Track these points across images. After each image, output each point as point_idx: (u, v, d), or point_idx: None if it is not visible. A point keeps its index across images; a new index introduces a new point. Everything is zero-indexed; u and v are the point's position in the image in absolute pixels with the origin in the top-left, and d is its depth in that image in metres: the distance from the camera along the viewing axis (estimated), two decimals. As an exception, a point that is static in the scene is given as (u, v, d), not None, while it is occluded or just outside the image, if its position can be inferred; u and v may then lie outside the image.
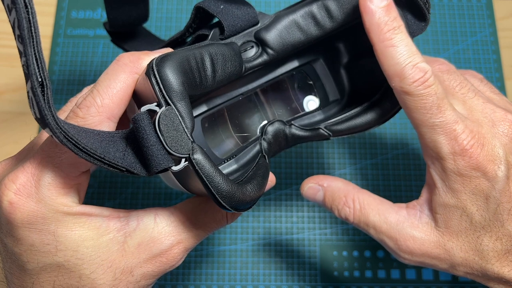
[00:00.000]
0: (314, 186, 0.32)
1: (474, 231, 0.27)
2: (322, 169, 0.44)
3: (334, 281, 0.41)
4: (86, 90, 0.29)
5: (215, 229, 0.28)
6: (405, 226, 0.29)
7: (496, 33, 0.48)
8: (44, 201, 0.23)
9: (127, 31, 0.36)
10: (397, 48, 0.25)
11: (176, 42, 0.30)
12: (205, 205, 0.27)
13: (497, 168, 0.26)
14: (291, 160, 0.44)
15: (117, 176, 0.43)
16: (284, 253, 0.41)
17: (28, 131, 0.45)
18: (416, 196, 0.44)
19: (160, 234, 0.25)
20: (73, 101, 0.28)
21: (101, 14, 0.49)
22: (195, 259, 0.41)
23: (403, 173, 0.44)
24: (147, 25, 0.47)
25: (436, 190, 0.28)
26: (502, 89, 0.46)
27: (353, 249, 0.42)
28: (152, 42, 0.36)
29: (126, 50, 0.36)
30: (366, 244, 0.42)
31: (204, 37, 0.28)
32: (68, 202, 0.24)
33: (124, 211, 0.26)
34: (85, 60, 0.47)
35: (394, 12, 0.26)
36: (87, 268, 0.24)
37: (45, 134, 0.26)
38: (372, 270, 0.41)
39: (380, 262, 0.41)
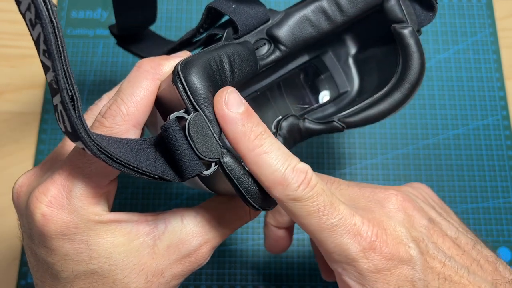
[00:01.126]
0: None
1: None
2: (322, 169, 0.44)
3: (334, 281, 0.41)
4: (105, 97, 0.29)
5: (239, 226, 0.28)
6: None
7: (496, 33, 0.48)
8: (76, 211, 0.23)
9: (135, 34, 0.36)
10: (271, 154, 0.23)
11: (187, 43, 0.31)
12: (228, 204, 0.27)
13: (408, 248, 0.24)
14: (291, 160, 0.44)
15: (118, 176, 0.43)
16: (284, 253, 0.41)
17: (28, 131, 0.45)
18: (416, 196, 0.44)
19: (188, 235, 0.26)
20: (93, 110, 0.28)
21: (101, 14, 0.49)
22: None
23: (403, 173, 0.44)
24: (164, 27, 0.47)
25: None
26: (502, 89, 0.46)
27: (353, 249, 0.42)
28: (158, 43, 0.36)
29: (132, 53, 0.35)
30: (366, 244, 0.42)
31: (214, 36, 0.28)
32: (99, 211, 0.24)
33: (151, 214, 0.26)
34: (85, 60, 0.47)
35: (255, 116, 0.23)
36: (120, 273, 0.24)
37: (69, 143, 0.26)
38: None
39: (380, 262, 0.41)
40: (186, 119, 0.22)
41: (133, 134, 0.24)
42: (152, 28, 0.37)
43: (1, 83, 0.47)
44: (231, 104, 0.23)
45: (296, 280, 0.41)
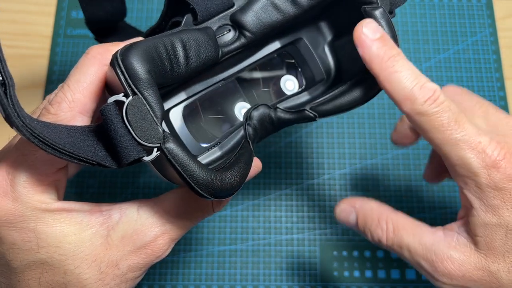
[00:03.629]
0: (347, 208, 0.30)
1: None
2: (323, 169, 0.44)
3: (334, 281, 0.41)
4: (60, 86, 0.29)
5: (201, 218, 0.27)
6: (441, 247, 0.27)
7: (496, 33, 0.48)
8: (20, 199, 0.23)
9: (107, 27, 0.35)
10: (401, 73, 0.25)
11: (154, 33, 0.30)
12: (188, 195, 0.26)
13: None
14: (291, 160, 0.44)
15: (117, 177, 0.43)
16: (284, 253, 0.41)
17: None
18: (416, 197, 0.44)
19: (144, 225, 0.25)
20: (48, 98, 0.28)
21: (101, 14, 0.49)
22: (195, 259, 0.41)
23: (403, 173, 0.44)
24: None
25: (474, 211, 0.26)
26: (502, 89, 0.46)
27: (353, 249, 0.42)
28: (130, 35, 0.35)
29: None
30: (366, 244, 0.42)
31: (179, 24, 0.27)
32: (46, 199, 0.24)
33: (106, 204, 0.26)
34: (85, 60, 0.47)
35: (390, 41, 0.26)
36: (71, 264, 0.24)
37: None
38: (372, 270, 0.41)
39: (380, 262, 0.41)
40: (125, 102, 0.21)
41: (80, 121, 0.24)
42: (134, 18, 0.36)
43: (1, 83, 0.46)
44: (368, 31, 0.25)
45: (296, 280, 0.41)
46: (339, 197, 0.43)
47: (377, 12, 0.27)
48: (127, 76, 0.22)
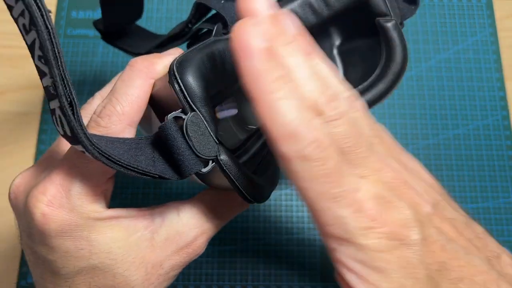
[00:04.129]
0: None
1: None
2: (322, 169, 0.44)
3: (334, 281, 0.41)
4: (98, 96, 0.29)
5: (232, 217, 0.29)
6: None
7: (496, 33, 0.48)
8: (75, 210, 0.24)
9: (121, 29, 0.36)
10: (289, 102, 0.20)
11: (175, 38, 0.31)
12: (222, 196, 0.28)
13: (411, 232, 0.22)
14: (291, 160, 0.44)
15: (117, 176, 0.43)
16: (284, 253, 0.41)
17: (29, 131, 0.45)
18: (416, 196, 0.43)
19: (185, 227, 0.27)
20: (87, 109, 0.28)
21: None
22: (195, 259, 0.41)
23: (403, 173, 0.44)
24: (147, 26, 0.47)
25: (357, 279, 0.22)
26: (502, 89, 0.46)
27: (353, 249, 0.42)
28: (144, 38, 0.36)
29: (119, 48, 0.35)
30: (366, 244, 0.42)
31: (201, 31, 0.28)
32: (98, 208, 0.25)
33: (147, 209, 0.27)
34: (85, 60, 0.47)
35: (279, 55, 0.20)
36: (121, 267, 0.25)
37: (64, 142, 0.27)
38: (372, 270, 0.41)
39: (380, 262, 0.41)
40: (184, 119, 0.23)
41: (129, 133, 0.25)
42: (152, 28, 0.37)
43: (1, 83, 0.47)
44: (253, 37, 0.19)
45: (296, 280, 0.41)
46: (339, 197, 0.43)
47: (390, 25, 0.28)
48: (186, 94, 0.23)
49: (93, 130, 0.24)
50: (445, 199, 0.27)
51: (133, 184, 0.43)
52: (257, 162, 0.27)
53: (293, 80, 0.20)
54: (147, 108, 0.26)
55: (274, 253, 0.41)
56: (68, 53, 0.47)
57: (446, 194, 0.28)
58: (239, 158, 0.30)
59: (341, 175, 0.21)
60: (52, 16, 0.49)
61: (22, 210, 0.25)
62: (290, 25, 0.21)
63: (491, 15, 0.49)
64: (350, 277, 0.22)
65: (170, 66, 0.23)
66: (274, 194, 0.43)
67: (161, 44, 0.32)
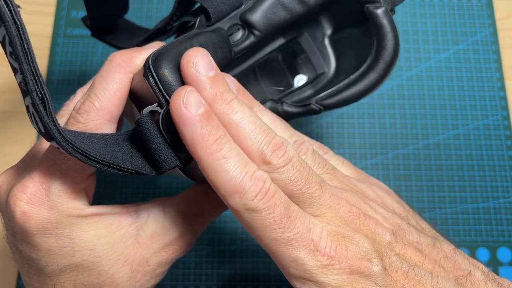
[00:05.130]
0: None
1: None
2: (322, 169, 0.44)
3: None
4: (80, 92, 0.29)
5: (220, 212, 0.29)
6: None
7: (496, 33, 0.48)
8: (56, 207, 0.24)
9: (108, 24, 0.35)
10: (230, 160, 0.21)
11: (161, 32, 0.30)
12: (209, 193, 0.28)
13: (371, 264, 0.22)
14: (291, 160, 0.44)
15: (117, 176, 0.43)
16: (284, 253, 0.41)
17: (28, 131, 0.45)
18: (416, 197, 0.44)
19: (171, 223, 0.26)
20: (69, 105, 0.28)
21: (101, 14, 0.49)
22: (195, 259, 0.41)
23: (403, 173, 0.44)
24: (147, 25, 0.47)
25: None
26: (502, 89, 0.46)
27: (353, 249, 0.42)
28: (132, 32, 0.35)
29: (108, 44, 0.35)
30: (366, 244, 0.42)
31: (187, 24, 0.28)
32: (79, 205, 0.24)
33: (132, 205, 0.27)
34: (85, 60, 0.47)
35: (215, 119, 0.22)
36: (105, 264, 0.25)
37: (46, 141, 0.26)
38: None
39: (380, 262, 0.41)
40: (160, 112, 0.22)
41: (108, 128, 0.24)
42: (143, 22, 0.36)
43: (1, 83, 0.46)
44: (190, 104, 0.21)
45: (296, 280, 0.41)
46: (339, 197, 0.43)
47: (380, 11, 0.27)
48: (161, 87, 0.22)
49: (72, 127, 0.24)
50: (409, 221, 0.26)
51: (133, 184, 0.43)
52: None
53: (235, 137, 0.22)
54: (129, 103, 0.26)
55: (274, 253, 0.41)
56: (68, 53, 0.47)
57: (413, 215, 0.28)
58: None
59: (292, 218, 0.22)
60: (52, 16, 0.49)
61: (5, 209, 0.25)
62: (231, 84, 0.23)
63: (491, 15, 0.49)
64: None
65: (146, 59, 0.23)
66: (274, 194, 0.43)
67: (147, 39, 0.31)
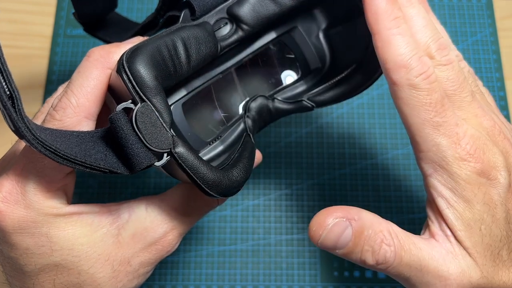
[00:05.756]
0: (341, 222, 0.24)
1: (495, 247, 0.24)
2: (322, 169, 0.44)
3: (334, 281, 0.41)
4: (61, 89, 0.28)
5: (206, 212, 0.28)
6: (442, 259, 0.24)
7: (496, 33, 0.48)
8: (32, 206, 0.23)
9: (98, 19, 0.34)
10: (404, 38, 0.23)
11: (149, 27, 0.29)
12: (194, 191, 0.27)
13: (499, 175, 0.24)
14: (291, 160, 0.44)
15: (117, 177, 0.43)
16: (284, 253, 0.41)
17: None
18: (416, 197, 0.44)
19: (153, 223, 0.26)
20: (49, 102, 0.28)
21: (101, 14, 0.49)
22: (195, 259, 0.41)
23: (403, 173, 0.44)
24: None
25: (445, 204, 0.24)
26: (502, 89, 0.46)
27: (353, 249, 0.42)
28: (125, 27, 0.34)
29: (100, 39, 0.34)
30: (366, 244, 0.42)
31: (175, 18, 0.27)
32: (56, 204, 0.24)
33: (114, 204, 0.26)
34: (85, 60, 0.47)
35: (398, 2, 0.24)
36: (85, 264, 0.24)
37: None
38: (372, 270, 0.41)
39: (380, 262, 0.41)
40: (133, 109, 0.21)
41: (86, 125, 0.24)
42: (143, 19, 0.35)
43: None
44: None
45: (296, 280, 0.41)
46: (339, 197, 0.43)
47: None
48: (134, 84, 0.22)
49: (48, 124, 0.24)
50: None
51: (133, 184, 0.43)
52: (234, 151, 0.26)
53: (409, 24, 0.24)
54: (112, 99, 0.25)
55: (274, 253, 0.41)
56: (68, 53, 0.47)
57: None
58: (215, 148, 0.28)
59: (444, 108, 0.24)
60: (52, 16, 0.49)
61: None
62: None
63: (491, 15, 0.49)
64: (440, 202, 0.25)
65: (122, 55, 0.22)
66: (275, 194, 0.43)
67: (135, 34, 0.30)
